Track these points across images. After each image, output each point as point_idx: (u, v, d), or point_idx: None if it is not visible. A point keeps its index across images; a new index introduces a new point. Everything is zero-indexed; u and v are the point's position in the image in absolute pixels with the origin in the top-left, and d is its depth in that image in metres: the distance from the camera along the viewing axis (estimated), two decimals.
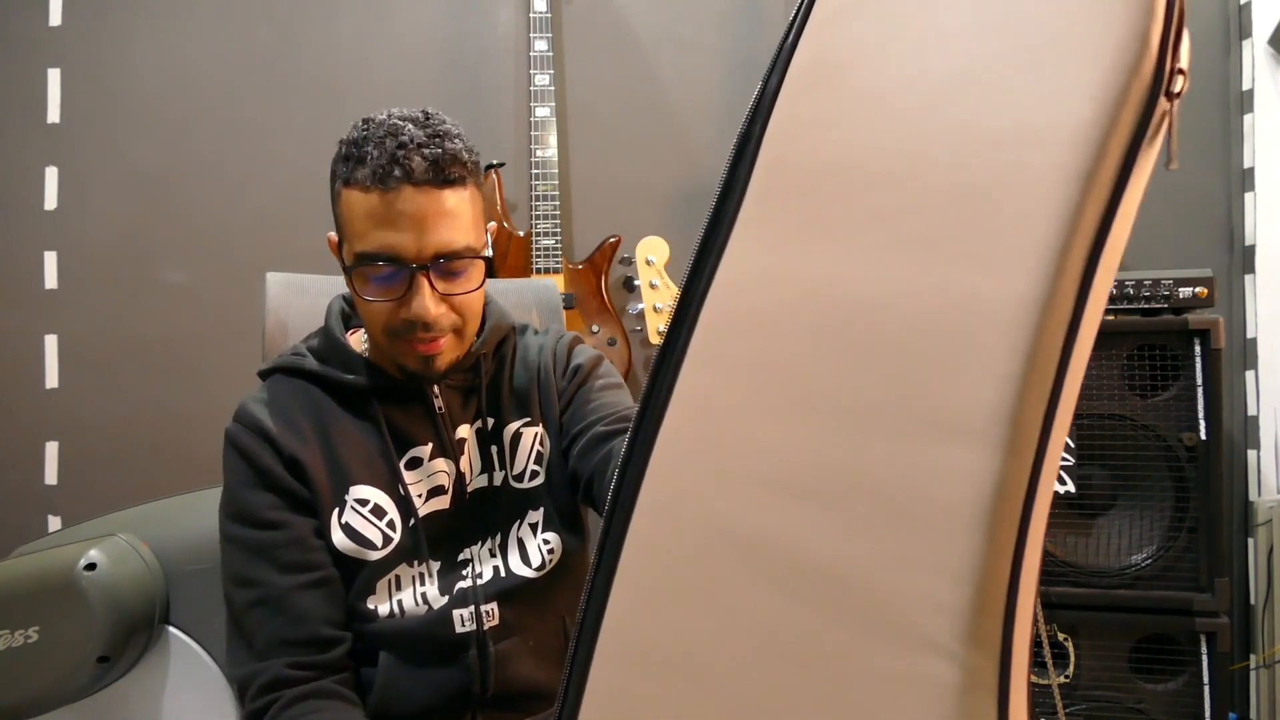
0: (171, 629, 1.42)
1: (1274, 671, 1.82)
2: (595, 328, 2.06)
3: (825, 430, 0.48)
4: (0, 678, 1.34)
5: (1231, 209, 2.10)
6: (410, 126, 0.94)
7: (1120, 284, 1.63)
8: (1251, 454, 2.02)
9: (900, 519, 0.46)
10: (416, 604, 1.01)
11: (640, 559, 0.52)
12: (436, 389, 1.05)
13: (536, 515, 1.08)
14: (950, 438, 0.45)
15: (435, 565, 1.03)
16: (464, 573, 1.03)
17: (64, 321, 2.28)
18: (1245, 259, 2.07)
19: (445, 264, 0.95)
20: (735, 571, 0.49)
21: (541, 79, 2.06)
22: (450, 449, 1.05)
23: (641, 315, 2.02)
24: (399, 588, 1.01)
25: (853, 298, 0.48)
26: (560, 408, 1.10)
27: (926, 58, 0.49)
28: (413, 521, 1.02)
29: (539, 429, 1.09)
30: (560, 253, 2.06)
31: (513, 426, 1.08)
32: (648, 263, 2.03)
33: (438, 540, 1.03)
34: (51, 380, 2.26)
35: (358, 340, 1.08)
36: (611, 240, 2.10)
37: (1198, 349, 1.55)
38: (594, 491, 1.04)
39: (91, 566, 1.34)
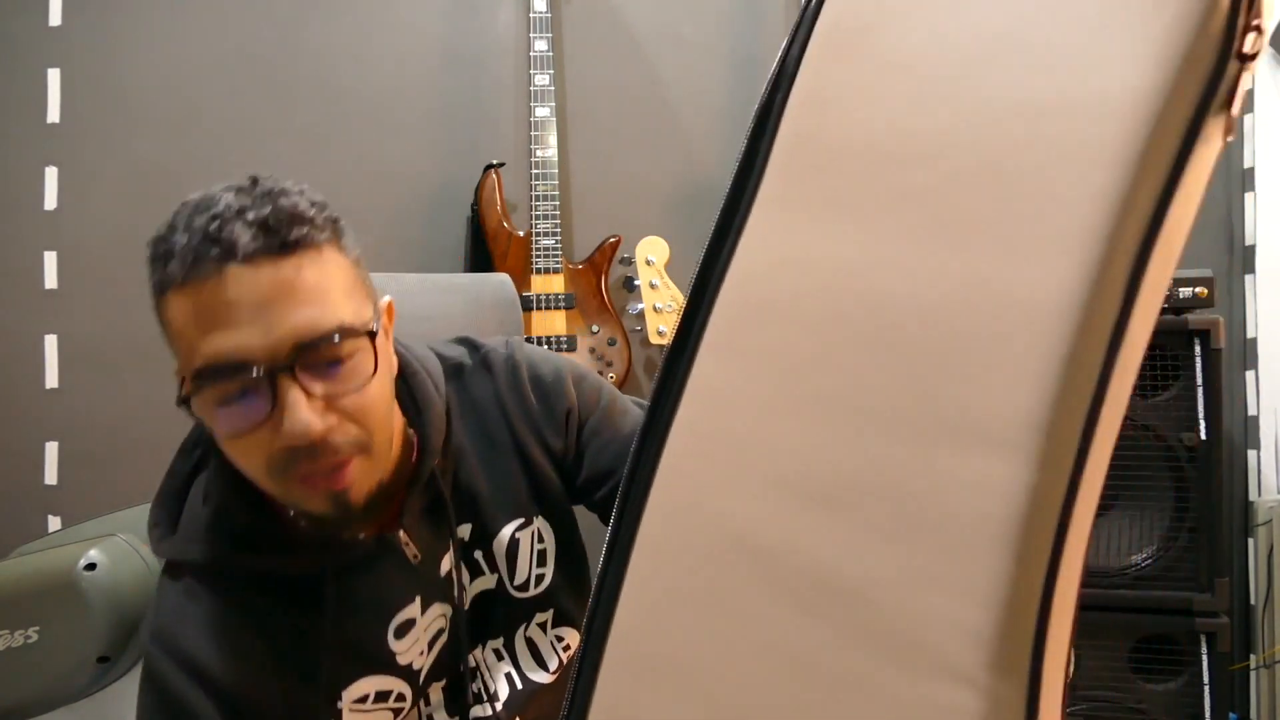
0: None
1: (1274, 671, 1.82)
2: (595, 328, 2.06)
3: (843, 432, 0.44)
4: (0, 678, 1.34)
5: (1231, 209, 2.10)
6: (228, 195, 0.73)
7: None
8: (1251, 454, 2.02)
9: (921, 532, 0.42)
10: None
11: (650, 563, 0.48)
12: (401, 534, 0.83)
13: (545, 615, 0.93)
14: (978, 446, 0.41)
15: (441, 683, 0.89)
16: (475, 688, 0.89)
17: (64, 321, 2.28)
18: (1245, 259, 2.07)
19: (312, 355, 0.70)
20: (746, 579, 0.45)
21: (541, 79, 2.06)
22: (440, 591, 0.86)
23: (641, 315, 2.02)
24: (428, 703, 0.88)
25: (878, 288, 0.44)
26: (569, 462, 0.93)
27: (960, 19, 0.44)
28: (421, 680, 0.87)
29: (535, 524, 0.91)
30: (560, 253, 2.06)
31: (506, 533, 0.89)
32: (648, 263, 2.03)
33: (440, 665, 0.89)
34: (51, 380, 2.26)
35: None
36: (611, 240, 2.10)
37: (1198, 349, 1.55)
38: None
39: (91, 566, 1.34)
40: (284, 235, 0.71)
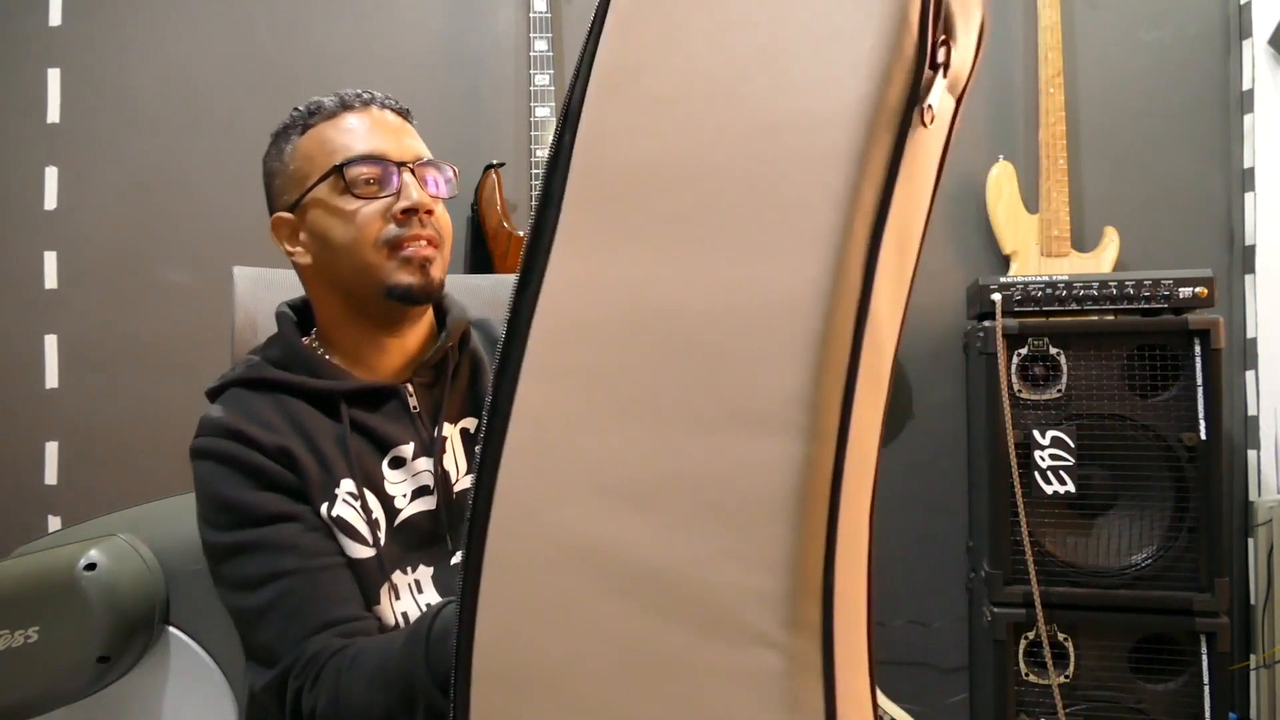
0: (171, 629, 1.42)
1: (1274, 671, 1.82)
2: None
3: (646, 433, 0.49)
4: (0, 678, 1.34)
5: (1231, 209, 2.10)
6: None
7: (1120, 284, 1.63)
8: (1251, 454, 2.02)
9: (715, 514, 0.46)
10: (422, 613, 0.96)
11: (500, 578, 0.52)
12: (410, 387, 1.02)
13: None
14: (754, 429, 0.46)
15: (429, 571, 0.99)
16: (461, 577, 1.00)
17: (64, 321, 2.28)
18: (1245, 259, 2.07)
19: (424, 168, 0.99)
20: (581, 583, 0.50)
21: (541, 79, 2.06)
22: (431, 447, 1.01)
23: None
24: (397, 597, 0.97)
25: (663, 301, 0.49)
26: None
27: (708, 55, 0.50)
28: (398, 520, 0.98)
29: None
30: None
31: None
32: None
33: (428, 542, 1.00)
34: (51, 380, 2.26)
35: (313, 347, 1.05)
36: None
37: (1198, 349, 1.56)
38: None
39: (91, 566, 1.34)
40: (403, 109, 1.05)
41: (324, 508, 0.94)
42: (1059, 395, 1.60)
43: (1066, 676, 1.58)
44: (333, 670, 0.84)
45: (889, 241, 0.47)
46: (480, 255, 2.11)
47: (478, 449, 1.03)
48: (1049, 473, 1.59)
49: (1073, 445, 1.58)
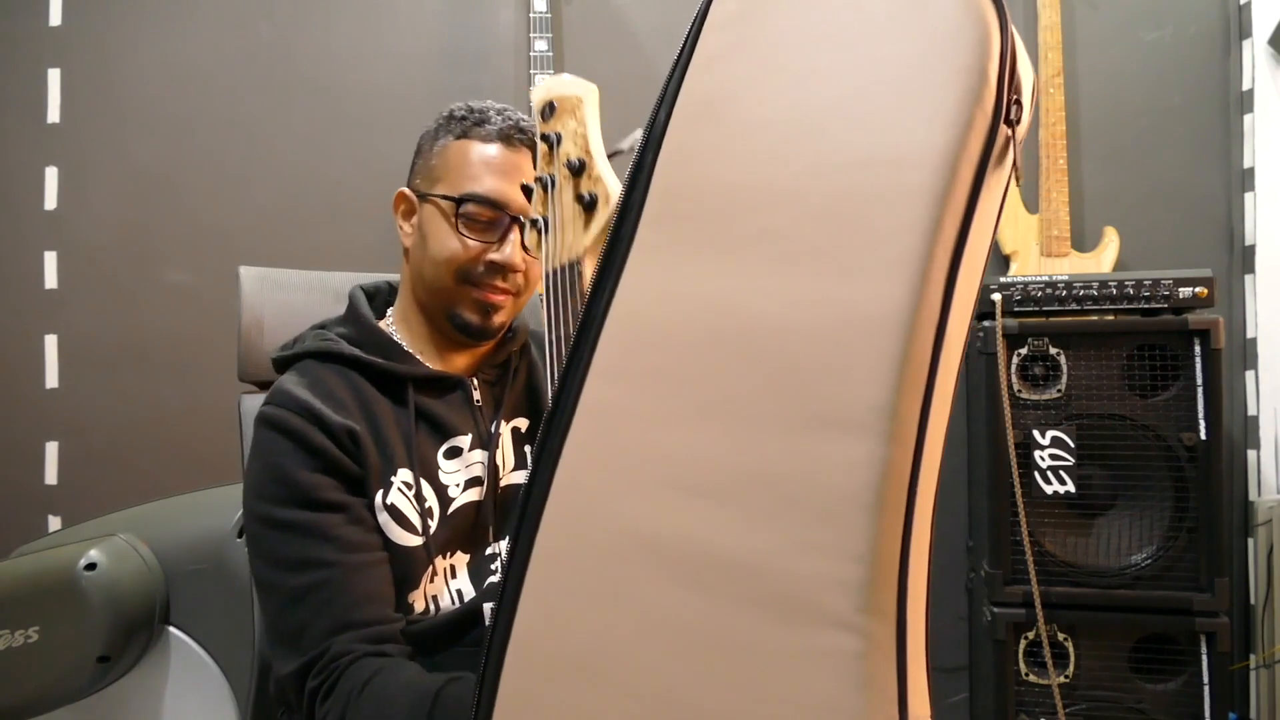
0: (171, 629, 1.42)
1: (1274, 671, 1.82)
2: None
3: (723, 432, 0.52)
4: (0, 678, 1.34)
5: (1231, 209, 2.10)
6: (523, 117, 1.08)
7: (1120, 284, 1.63)
8: (1251, 454, 2.02)
9: (796, 507, 0.50)
10: (452, 600, 0.99)
11: (548, 569, 0.56)
12: (475, 381, 1.07)
13: None
14: (839, 432, 0.50)
15: (465, 558, 1.02)
16: (493, 567, 1.02)
17: (64, 321, 2.28)
18: (1245, 259, 2.07)
19: (534, 227, 1.03)
20: (644, 573, 0.53)
21: (541, 79, 2.06)
22: (487, 441, 1.05)
23: None
24: (431, 580, 0.99)
25: (744, 312, 0.53)
26: None
27: (801, 93, 0.55)
28: (450, 509, 1.01)
29: None
30: None
31: None
32: None
33: (469, 532, 1.03)
34: (51, 380, 2.26)
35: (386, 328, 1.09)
36: None
37: (1198, 349, 1.55)
38: None
39: (91, 566, 1.34)
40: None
41: (379, 495, 0.96)
42: (1059, 395, 1.60)
43: (1066, 676, 1.57)
44: (346, 686, 0.86)
45: (964, 270, 0.52)
46: None
47: (527, 448, 1.08)
48: (1049, 473, 1.59)
49: (1073, 445, 1.58)
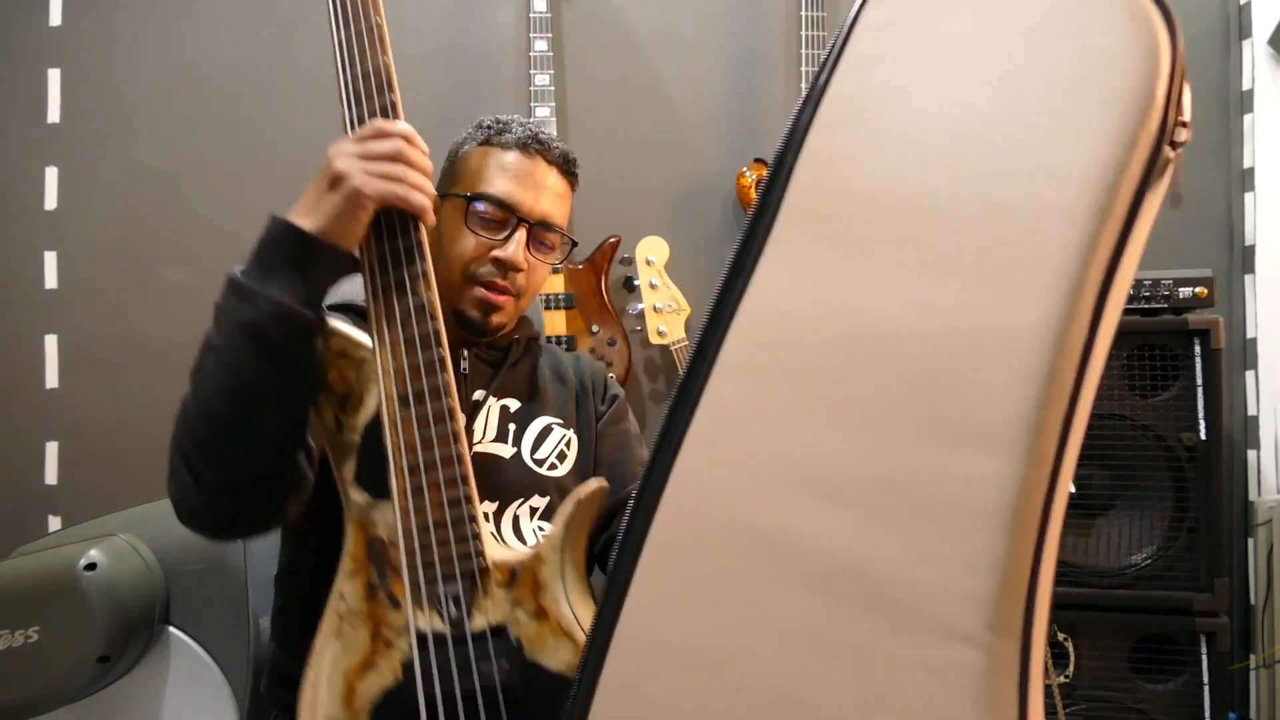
0: (171, 629, 1.42)
1: (1274, 671, 1.82)
2: (595, 328, 2.06)
3: (852, 436, 0.52)
4: (0, 678, 1.34)
5: (1231, 209, 2.10)
6: (541, 129, 1.15)
7: None
8: (1251, 454, 2.02)
9: (924, 518, 0.49)
10: None
11: (661, 560, 0.55)
12: (465, 353, 1.12)
13: (541, 502, 1.10)
14: (976, 446, 0.49)
15: None
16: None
17: (64, 321, 2.28)
18: (1245, 259, 2.07)
19: (543, 230, 1.11)
20: (761, 569, 0.52)
21: (541, 79, 2.06)
22: (465, 406, 1.08)
23: (641, 315, 2.02)
24: None
25: (880, 316, 0.53)
26: (596, 429, 1.19)
27: (951, 102, 0.54)
28: None
29: (570, 433, 1.16)
30: None
31: (544, 420, 1.15)
32: (648, 263, 2.03)
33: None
34: (51, 380, 2.26)
35: None
36: (611, 240, 2.10)
37: (1198, 349, 1.56)
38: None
39: (91, 566, 1.34)
40: (569, 167, 1.15)
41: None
42: None
43: (1066, 676, 1.58)
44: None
45: (1114, 290, 0.51)
46: None
47: (512, 425, 1.11)
48: None
49: None
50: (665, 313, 2.01)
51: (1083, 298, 0.50)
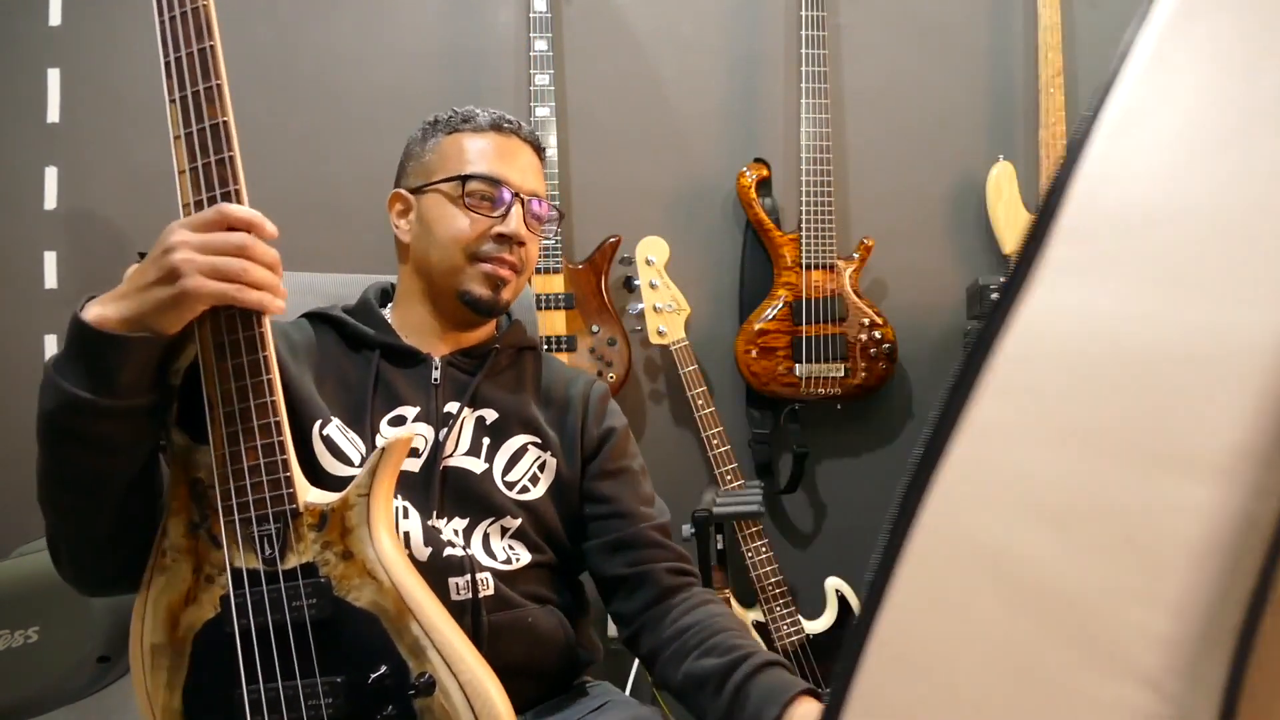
0: None
1: None
2: (595, 328, 2.06)
3: (1076, 459, 0.50)
4: (0, 678, 1.34)
5: None
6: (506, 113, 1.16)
7: None
8: None
9: (1129, 549, 0.47)
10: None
11: (912, 572, 0.56)
12: (438, 362, 1.11)
13: (512, 523, 1.09)
14: (1191, 473, 0.45)
15: (416, 513, 1.03)
16: (443, 538, 1.03)
17: (64, 321, 2.27)
18: None
19: (537, 204, 1.13)
20: (984, 585, 0.52)
21: (541, 79, 2.06)
22: (435, 417, 1.08)
23: (641, 315, 2.02)
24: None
25: (1122, 333, 0.50)
26: (585, 453, 1.16)
27: (1214, 101, 0.51)
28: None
29: (547, 455, 1.13)
30: (560, 252, 2.06)
31: (520, 439, 1.12)
32: (648, 263, 2.03)
33: (407, 498, 1.04)
34: None
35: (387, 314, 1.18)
36: (611, 240, 2.10)
37: None
38: (586, 548, 1.13)
39: None
40: (539, 145, 1.18)
41: (316, 425, 1.03)
42: None
43: None
44: None
45: None
46: None
47: (486, 439, 1.12)
48: None
49: None
50: (665, 313, 2.02)
51: None
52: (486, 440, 1.10)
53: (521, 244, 1.10)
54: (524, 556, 1.08)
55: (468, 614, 1.00)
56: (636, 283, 2.03)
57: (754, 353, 2.06)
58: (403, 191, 1.15)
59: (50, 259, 2.28)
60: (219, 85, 0.95)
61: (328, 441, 1.02)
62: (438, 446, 1.07)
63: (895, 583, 0.57)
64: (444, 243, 1.10)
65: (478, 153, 1.11)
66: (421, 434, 1.07)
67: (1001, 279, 1.74)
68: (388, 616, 0.88)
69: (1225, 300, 0.48)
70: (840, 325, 2.05)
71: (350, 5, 2.26)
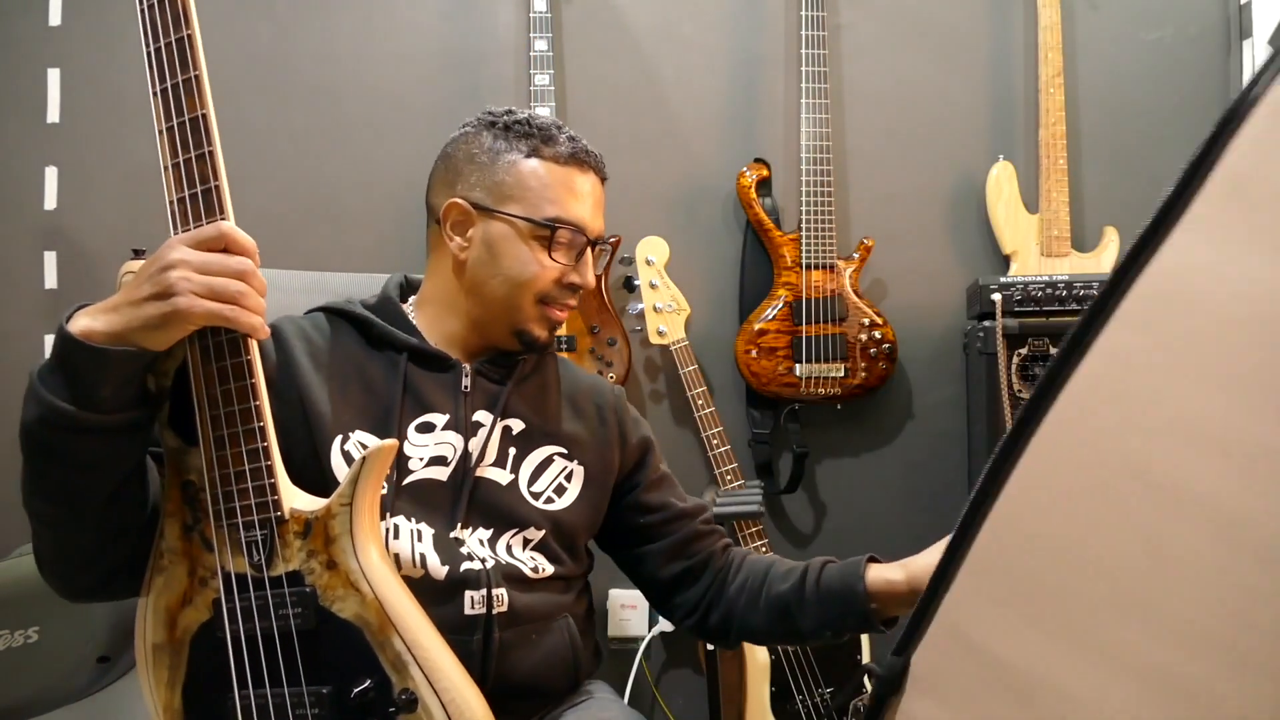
0: None
1: None
2: (595, 328, 2.06)
3: (1242, 403, 0.53)
4: (0, 678, 1.34)
5: None
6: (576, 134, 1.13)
7: None
8: None
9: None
10: (414, 564, 1.00)
11: (1038, 466, 0.60)
12: (467, 368, 1.09)
13: (536, 535, 1.08)
14: None
15: (430, 532, 1.02)
16: (463, 550, 1.02)
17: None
18: None
19: (599, 247, 1.13)
20: (1120, 482, 0.55)
21: (541, 79, 2.06)
22: (464, 426, 1.06)
23: (641, 315, 2.02)
24: (396, 537, 1.00)
25: (1269, 296, 0.53)
26: (622, 471, 1.17)
27: None
28: (406, 481, 1.02)
29: (573, 465, 1.12)
30: None
31: (547, 450, 1.12)
32: (648, 263, 2.03)
33: (431, 509, 1.03)
34: None
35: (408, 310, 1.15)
36: (611, 240, 2.10)
37: None
38: (641, 556, 1.17)
39: None
40: (606, 176, 1.16)
41: (335, 442, 1.01)
42: None
43: None
44: None
45: None
46: None
47: (512, 450, 1.12)
48: None
49: None
50: (665, 313, 2.02)
51: None
52: (513, 451, 1.09)
53: (591, 290, 1.12)
54: (547, 567, 1.08)
55: (479, 629, 1.00)
56: (636, 283, 2.03)
57: (754, 353, 2.06)
58: (463, 203, 1.08)
59: (50, 259, 2.28)
60: (198, 76, 0.95)
61: (348, 458, 1.01)
62: (466, 456, 1.06)
63: (1018, 470, 0.61)
64: (512, 279, 1.07)
65: (563, 190, 1.07)
66: (450, 442, 1.05)
67: (1000, 278, 1.73)
68: (370, 630, 0.87)
69: None
70: (840, 325, 2.05)
71: (349, 5, 2.26)
